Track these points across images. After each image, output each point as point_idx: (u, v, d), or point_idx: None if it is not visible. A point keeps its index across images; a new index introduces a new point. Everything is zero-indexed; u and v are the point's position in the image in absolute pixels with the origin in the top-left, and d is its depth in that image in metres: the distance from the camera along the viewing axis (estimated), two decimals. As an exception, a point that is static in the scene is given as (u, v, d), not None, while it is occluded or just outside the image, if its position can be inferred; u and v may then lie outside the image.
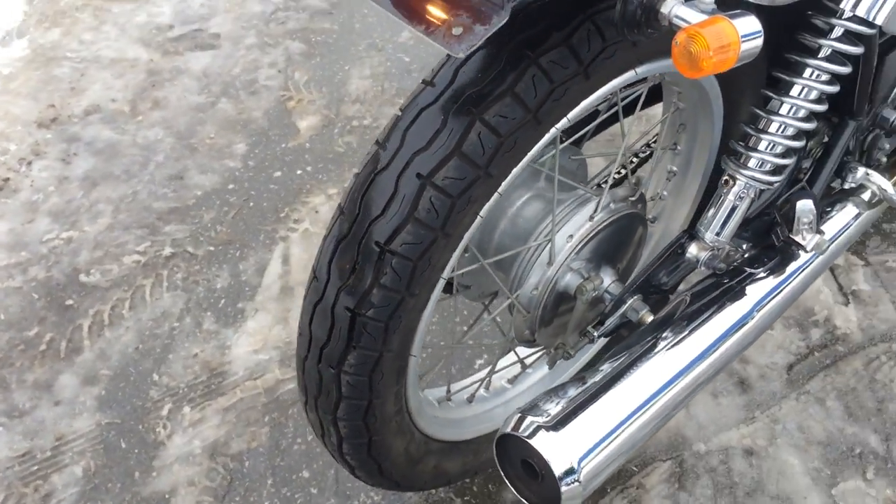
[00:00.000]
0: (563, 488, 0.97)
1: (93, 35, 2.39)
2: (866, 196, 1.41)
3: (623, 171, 1.26)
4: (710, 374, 1.12)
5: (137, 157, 2.06)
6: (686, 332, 1.14)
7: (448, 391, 1.27)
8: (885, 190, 1.38)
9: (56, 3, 2.49)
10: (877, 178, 1.38)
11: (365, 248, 0.88)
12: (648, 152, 1.43)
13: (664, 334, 1.13)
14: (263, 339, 1.70)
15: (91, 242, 1.87)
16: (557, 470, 0.97)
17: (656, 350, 1.11)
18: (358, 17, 2.46)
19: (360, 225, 0.88)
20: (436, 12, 0.75)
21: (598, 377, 1.08)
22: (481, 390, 1.33)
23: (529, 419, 1.02)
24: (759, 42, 0.74)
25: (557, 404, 1.03)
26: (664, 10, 0.75)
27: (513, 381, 1.39)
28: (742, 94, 1.17)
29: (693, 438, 1.55)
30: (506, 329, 1.33)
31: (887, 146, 1.42)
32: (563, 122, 0.90)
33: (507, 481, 1.05)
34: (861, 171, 1.36)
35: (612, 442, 1.03)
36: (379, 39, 2.39)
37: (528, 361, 1.37)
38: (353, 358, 0.93)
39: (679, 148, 1.31)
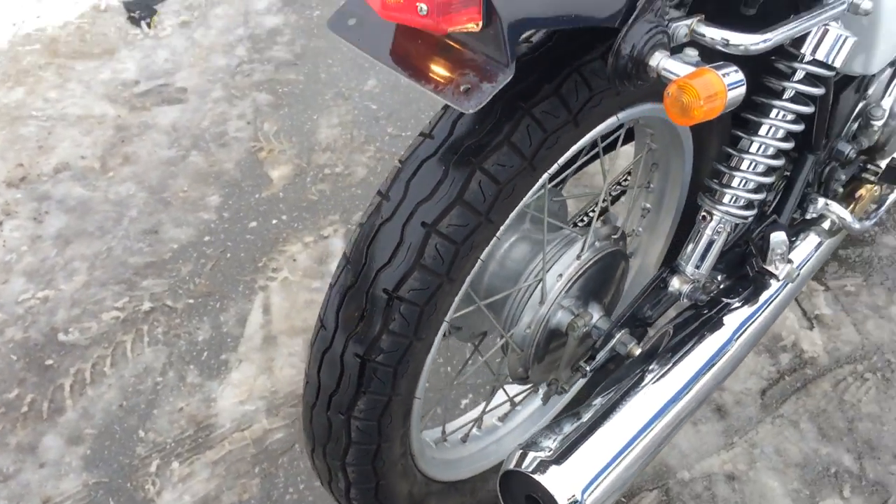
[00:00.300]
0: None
1: (58, 93, 2.40)
2: (826, 225, 1.49)
3: (597, 210, 1.32)
4: (698, 401, 1.17)
5: (110, 213, 2.06)
6: (672, 364, 1.19)
7: (443, 432, 1.30)
8: (843, 218, 1.46)
9: (18, 62, 2.49)
10: (835, 208, 1.46)
11: (373, 295, 0.91)
12: (622, 190, 1.49)
13: (651, 367, 1.18)
14: (249, 389, 1.70)
15: (68, 301, 1.86)
16: (562, 502, 1.00)
17: (646, 382, 1.16)
18: (323, 67, 2.51)
19: (368, 274, 0.91)
20: (442, 71, 0.80)
21: (593, 411, 1.12)
22: (474, 430, 1.36)
23: (532, 455, 1.05)
24: (743, 90, 0.80)
25: (557, 439, 1.07)
26: (652, 63, 0.81)
27: (503, 418, 1.42)
28: (711, 133, 1.24)
29: (677, 467, 1.59)
30: (496, 368, 1.36)
31: (843, 177, 1.50)
32: (554, 167, 0.95)
33: (511, 517, 1.08)
34: (821, 201, 1.44)
35: (612, 472, 1.07)
36: (345, 88, 2.44)
37: (517, 399, 1.41)
38: (363, 403, 0.95)
39: (652, 186, 1.37)
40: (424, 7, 0.73)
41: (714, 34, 0.86)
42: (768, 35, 0.87)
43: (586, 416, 1.11)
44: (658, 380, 1.16)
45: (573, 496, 1.01)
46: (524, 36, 0.90)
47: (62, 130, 2.28)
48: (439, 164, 0.90)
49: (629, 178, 1.49)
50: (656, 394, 1.15)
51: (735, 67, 0.80)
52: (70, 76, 2.46)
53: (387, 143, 2.27)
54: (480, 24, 0.75)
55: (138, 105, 2.37)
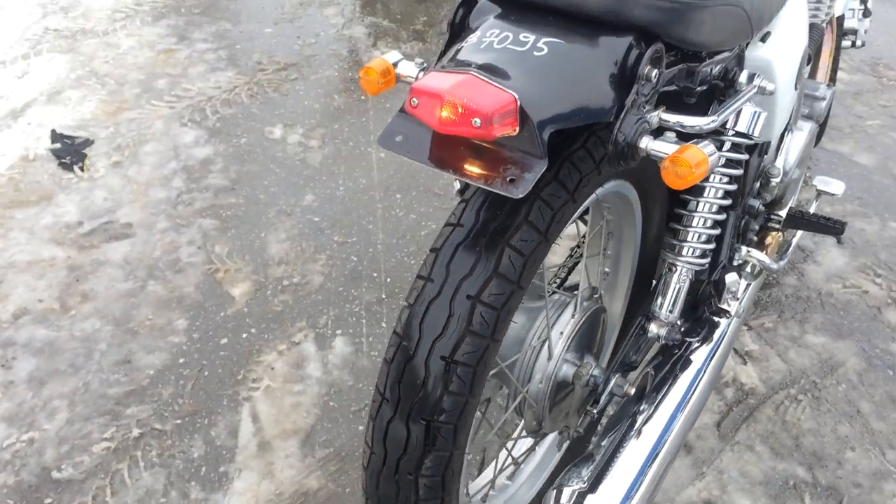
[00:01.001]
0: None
1: (2, 242, 2.43)
2: (749, 269, 1.75)
3: (582, 274, 1.52)
4: (690, 423, 1.37)
5: (80, 350, 2.10)
6: (662, 398, 1.38)
7: (467, 493, 1.43)
8: (763, 261, 1.73)
9: (-46, 217, 2.52)
10: (755, 254, 1.73)
11: (431, 364, 1.06)
12: (578, 256, 1.71)
13: (644, 404, 1.37)
14: (254, 496, 1.77)
15: (54, 439, 1.87)
16: None
17: (646, 416, 1.34)
18: (260, 189, 2.66)
19: (424, 346, 1.07)
20: (488, 168, 0.99)
21: (608, 447, 1.29)
22: (491, 491, 1.50)
23: (567, 490, 1.20)
24: (717, 157, 1.03)
25: (585, 475, 1.23)
26: (641, 145, 1.03)
27: (512, 476, 1.57)
28: (655, 201, 1.48)
29: (662, 501, 1.77)
30: (499, 427, 1.51)
31: (755, 227, 1.78)
32: (558, 237, 1.15)
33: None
34: (743, 249, 1.70)
35: (636, 494, 1.23)
36: (285, 206, 2.59)
37: (521, 457, 1.56)
38: (430, 461, 1.09)
39: (608, 252, 1.60)
40: (478, 121, 0.92)
41: (676, 119, 1.09)
42: (714, 117, 1.11)
43: (604, 452, 1.28)
44: (654, 413, 1.35)
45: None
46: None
47: (14, 277, 2.31)
48: (473, 247, 1.08)
49: (581, 247, 1.71)
50: (656, 424, 1.34)
51: (708, 142, 1.03)
52: (11, 225, 2.50)
53: (336, 250, 2.42)
54: (517, 128, 0.95)
55: (86, 244, 2.44)
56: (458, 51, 1.05)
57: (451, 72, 0.97)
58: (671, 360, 1.46)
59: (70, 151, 2.80)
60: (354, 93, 3.15)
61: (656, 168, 1.05)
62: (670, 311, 1.38)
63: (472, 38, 1.05)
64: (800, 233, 1.89)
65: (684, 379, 1.44)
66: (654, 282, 1.53)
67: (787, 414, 1.97)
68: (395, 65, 1.19)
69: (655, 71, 1.04)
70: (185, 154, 2.81)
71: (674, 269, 1.36)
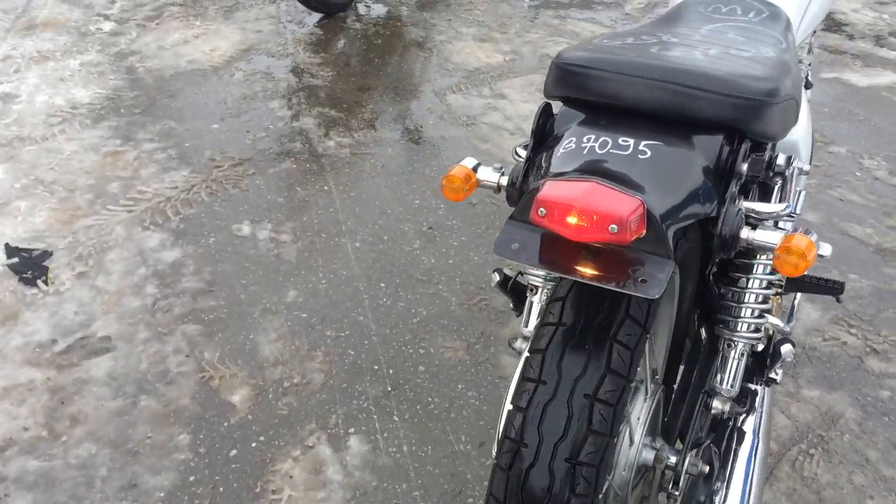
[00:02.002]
0: None
1: (-30, 368, 2.28)
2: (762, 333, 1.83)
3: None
4: (759, 494, 1.41)
5: (79, 479, 1.98)
6: (731, 473, 1.42)
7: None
8: (777, 325, 1.82)
9: (-89, 346, 2.34)
10: (772, 319, 1.81)
11: (556, 466, 1.06)
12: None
13: (717, 484, 1.40)
14: None
15: (70, 580, 1.74)
16: None
17: (722, 495, 1.38)
18: (239, 288, 2.60)
19: (546, 449, 1.07)
20: (618, 269, 1.01)
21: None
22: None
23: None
24: (816, 240, 1.09)
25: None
26: (743, 235, 1.08)
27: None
28: (689, 278, 1.54)
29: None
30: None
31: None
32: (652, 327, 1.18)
33: None
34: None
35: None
36: (269, 304, 2.54)
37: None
38: None
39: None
40: (615, 227, 0.95)
41: (754, 207, 1.16)
42: (788, 202, 1.19)
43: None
44: (729, 489, 1.38)
45: None
46: None
47: (-9, 405, 2.16)
48: (581, 345, 1.10)
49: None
50: (734, 499, 1.37)
51: (809, 228, 1.10)
52: (-23, 348, 2.34)
53: (331, 346, 2.38)
54: (644, 231, 0.98)
55: (65, 363, 2.31)
56: (562, 158, 1.08)
57: (572, 180, 1.01)
58: (727, 432, 1.50)
59: (29, 265, 2.67)
60: (316, 183, 3.14)
61: (692, 246, 1.10)
62: (731, 386, 1.43)
63: (570, 145, 1.09)
64: (800, 295, 2.00)
65: (744, 450, 1.48)
66: (704, 356, 1.58)
67: (803, 470, 2.04)
68: (474, 170, 1.21)
69: (745, 165, 1.10)
70: (153, 259, 2.72)
71: (732, 344, 1.41)
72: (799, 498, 1.96)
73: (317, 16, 4.64)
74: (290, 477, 1.99)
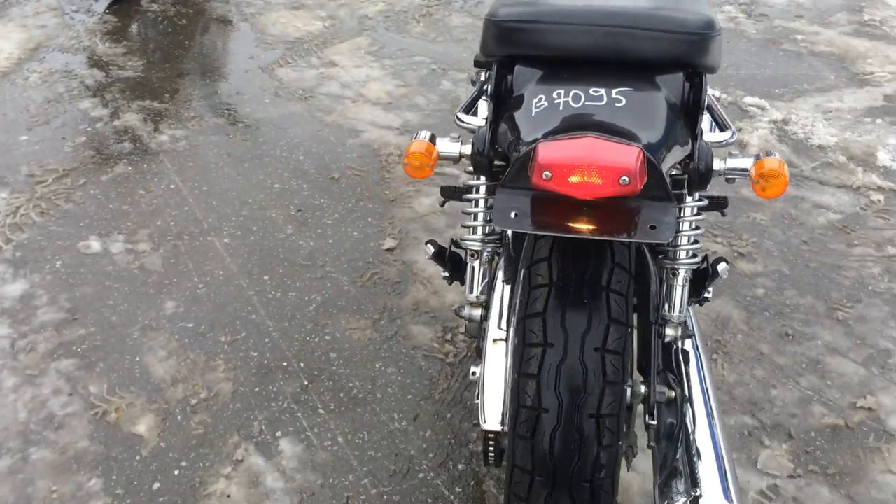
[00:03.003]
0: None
1: None
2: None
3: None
4: (719, 405, 1.49)
5: (-16, 555, 1.74)
6: (691, 391, 1.49)
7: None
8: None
9: None
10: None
11: (585, 424, 1.05)
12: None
13: (685, 406, 1.46)
14: None
15: None
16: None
17: (692, 413, 1.44)
18: (107, 311, 2.38)
19: (571, 410, 1.06)
20: (623, 221, 1.00)
21: (682, 454, 1.37)
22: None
23: (684, 500, 1.26)
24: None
25: (682, 490, 1.29)
26: (716, 167, 1.11)
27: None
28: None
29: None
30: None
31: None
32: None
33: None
34: None
35: (729, 477, 1.32)
36: (146, 320, 2.34)
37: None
38: None
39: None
40: (626, 178, 0.94)
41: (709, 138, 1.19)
42: (731, 130, 1.23)
43: (682, 459, 1.35)
44: (696, 405, 1.45)
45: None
46: None
47: None
48: (579, 301, 1.09)
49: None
50: (702, 414, 1.44)
51: (769, 151, 1.14)
52: None
53: (229, 351, 2.24)
54: (647, 178, 0.98)
55: (-75, 431, 2.01)
56: (540, 118, 1.05)
57: (566, 139, 0.98)
58: (674, 356, 1.57)
59: None
60: (161, 183, 2.91)
61: None
62: (680, 312, 1.48)
63: (541, 103, 1.06)
64: None
65: (693, 369, 1.55)
66: (651, 289, 1.63)
67: (713, 374, 2.18)
68: (432, 142, 1.16)
69: (707, 98, 1.13)
70: (-4, 295, 2.42)
71: (676, 273, 1.46)
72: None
73: (104, 1, 4.26)
74: (228, 496, 1.86)
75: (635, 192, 0.99)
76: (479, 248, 1.52)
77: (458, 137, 1.21)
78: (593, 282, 1.10)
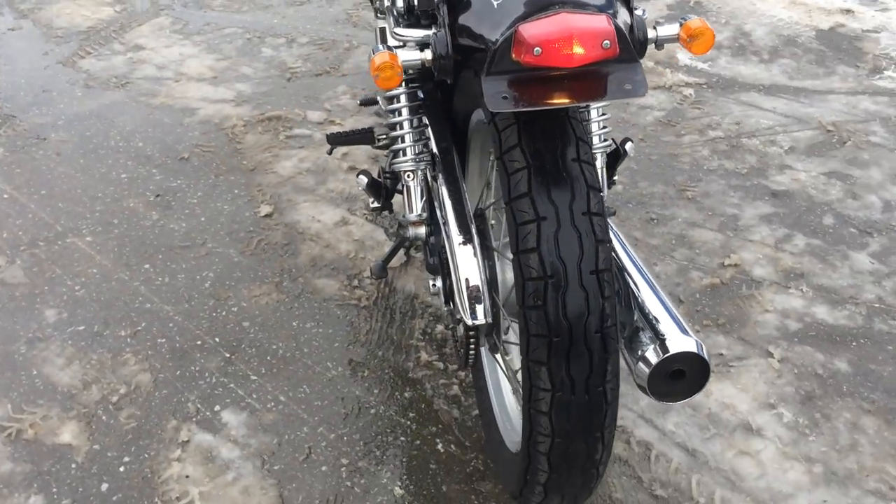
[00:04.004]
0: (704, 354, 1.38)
1: None
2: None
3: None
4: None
5: None
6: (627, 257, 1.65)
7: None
8: None
9: None
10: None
11: (592, 340, 1.18)
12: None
13: (626, 274, 1.62)
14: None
15: None
16: (698, 347, 1.38)
17: (632, 277, 1.60)
18: (-21, 333, 2.18)
19: (572, 271, 1.17)
20: (599, 85, 1.11)
21: (633, 309, 1.52)
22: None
23: (653, 346, 1.42)
24: None
25: (639, 329, 1.44)
26: (651, 35, 1.24)
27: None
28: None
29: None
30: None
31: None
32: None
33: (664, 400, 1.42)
34: None
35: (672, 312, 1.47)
36: (30, 333, 2.17)
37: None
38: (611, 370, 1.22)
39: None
40: (608, 42, 1.04)
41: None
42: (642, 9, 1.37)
43: (637, 311, 1.51)
44: (633, 271, 1.61)
45: (691, 338, 1.39)
46: None
47: None
48: (558, 175, 1.20)
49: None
50: (640, 277, 1.60)
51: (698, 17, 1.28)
52: None
53: (134, 343, 2.14)
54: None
55: None
56: (503, 7, 1.13)
57: (541, 18, 1.07)
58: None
59: None
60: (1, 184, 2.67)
61: None
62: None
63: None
64: None
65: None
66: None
67: (599, 266, 2.39)
68: (393, 54, 1.21)
69: None
70: None
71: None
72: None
73: None
74: (187, 476, 1.81)
75: (615, 55, 1.11)
76: (413, 168, 1.58)
77: (416, 46, 1.26)
78: (565, 156, 1.21)
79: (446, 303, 1.54)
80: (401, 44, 1.33)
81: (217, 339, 2.15)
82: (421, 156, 1.59)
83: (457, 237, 1.42)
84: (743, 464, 1.81)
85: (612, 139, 1.69)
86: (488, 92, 1.14)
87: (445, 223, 1.48)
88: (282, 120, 3.02)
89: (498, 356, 1.60)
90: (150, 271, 2.37)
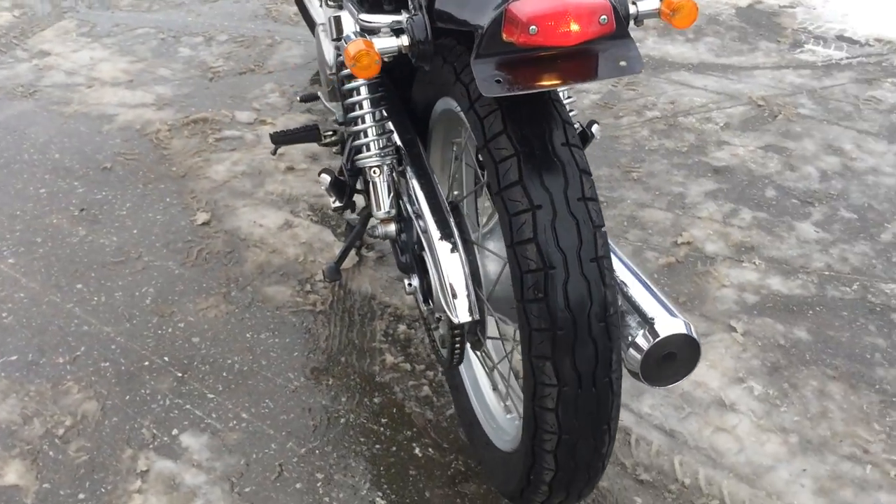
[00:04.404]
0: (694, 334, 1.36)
1: None
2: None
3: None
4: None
5: None
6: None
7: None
8: None
9: None
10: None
11: (597, 330, 1.13)
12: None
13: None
14: None
15: None
16: (687, 328, 1.35)
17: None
18: None
19: (572, 259, 1.12)
20: (593, 64, 1.06)
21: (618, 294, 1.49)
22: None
23: (643, 331, 1.39)
24: None
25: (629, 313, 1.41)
26: (632, 11, 1.20)
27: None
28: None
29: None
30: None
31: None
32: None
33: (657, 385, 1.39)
34: None
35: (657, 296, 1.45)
36: (-44, 368, 2.00)
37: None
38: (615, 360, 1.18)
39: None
40: (605, 17, 0.99)
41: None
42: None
43: (622, 298, 1.48)
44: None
45: (680, 321, 1.36)
46: None
47: None
48: (548, 160, 1.15)
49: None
50: (620, 265, 1.57)
51: None
52: None
53: (72, 370, 1.99)
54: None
55: None
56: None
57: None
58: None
59: None
60: None
61: None
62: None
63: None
64: None
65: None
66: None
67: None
68: (369, 41, 1.13)
69: None
70: None
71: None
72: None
73: None
74: (146, 472, 1.69)
75: (612, 31, 1.06)
76: (379, 163, 1.51)
77: (391, 33, 1.19)
78: (554, 141, 1.16)
79: (425, 301, 1.48)
80: (363, 32, 1.25)
81: (166, 359, 2.02)
82: (386, 150, 1.52)
83: (435, 232, 1.36)
84: (721, 440, 1.82)
85: (579, 122, 1.66)
86: (480, 76, 1.08)
87: (420, 217, 1.41)
88: (209, 122, 2.88)
89: (479, 353, 1.54)
90: (83, 291, 2.21)
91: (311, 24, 3.17)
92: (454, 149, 1.65)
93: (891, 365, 1.98)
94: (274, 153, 2.10)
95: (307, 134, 1.99)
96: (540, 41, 1.03)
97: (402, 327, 2.10)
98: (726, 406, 1.89)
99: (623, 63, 1.11)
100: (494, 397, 1.68)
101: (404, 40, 1.19)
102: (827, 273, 2.24)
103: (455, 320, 1.32)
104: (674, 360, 1.32)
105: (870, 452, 1.79)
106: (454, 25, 1.16)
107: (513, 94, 1.09)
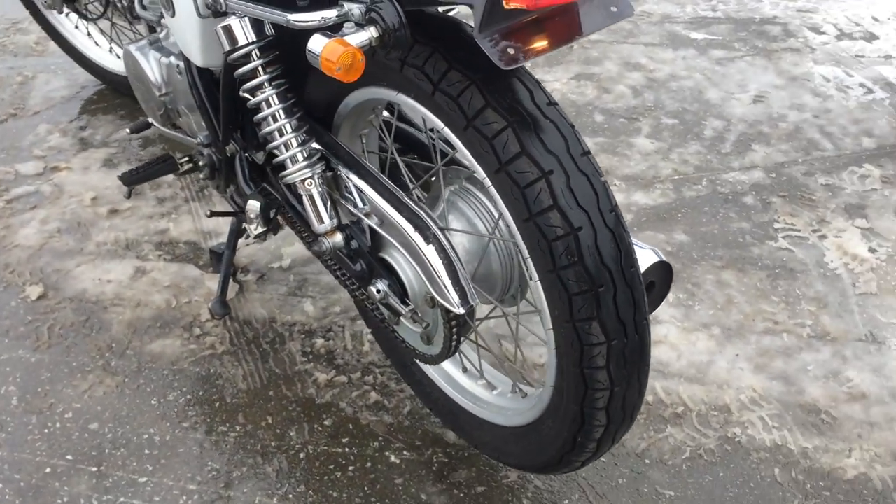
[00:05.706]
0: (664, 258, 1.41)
1: None
2: None
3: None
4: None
5: None
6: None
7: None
8: None
9: None
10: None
11: (630, 277, 1.14)
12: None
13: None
14: None
15: None
16: (657, 255, 1.40)
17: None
18: None
19: (618, 277, 1.14)
20: (593, 14, 1.03)
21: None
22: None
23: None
24: None
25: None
26: None
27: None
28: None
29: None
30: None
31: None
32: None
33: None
34: None
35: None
36: None
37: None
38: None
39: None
40: None
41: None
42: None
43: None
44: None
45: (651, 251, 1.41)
46: None
47: None
48: (538, 123, 1.11)
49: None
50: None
51: None
52: None
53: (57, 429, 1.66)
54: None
55: None
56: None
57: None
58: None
59: None
60: None
61: None
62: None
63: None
64: None
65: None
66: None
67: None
68: (345, 40, 1.02)
69: None
70: None
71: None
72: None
73: None
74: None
75: None
76: (310, 174, 1.38)
77: (357, 27, 1.07)
78: (538, 103, 1.13)
79: (402, 303, 1.39)
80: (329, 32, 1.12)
81: (69, 458, 1.74)
82: (312, 158, 1.39)
83: (406, 225, 1.28)
84: (661, 352, 1.92)
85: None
86: (492, 51, 1.01)
87: (374, 217, 1.33)
88: (-9, 184, 2.47)
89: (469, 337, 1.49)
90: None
91: (68, 49, 2.81)
92: (363, 141, 1.56)
93: (761, 242, 2.20)
94: (128, 196, 1.85)
95: (162, 166, 1.77)
96: (543, 3, 0.99)
97: (318, 341, 1.97)
98: (651, 320, 1.99)
99: (614, 9, 1.10)
100: (465, 378, 1.63)
101: (373, 32, 1.08)
102: (676, 177, 2.43)
103: (458, 311, 1.25)
104: (652, 288, 1.36)
105: (779, 322, 1.99)
106: (438, 4, 1.08)
107: (521, 63, 1.04)
